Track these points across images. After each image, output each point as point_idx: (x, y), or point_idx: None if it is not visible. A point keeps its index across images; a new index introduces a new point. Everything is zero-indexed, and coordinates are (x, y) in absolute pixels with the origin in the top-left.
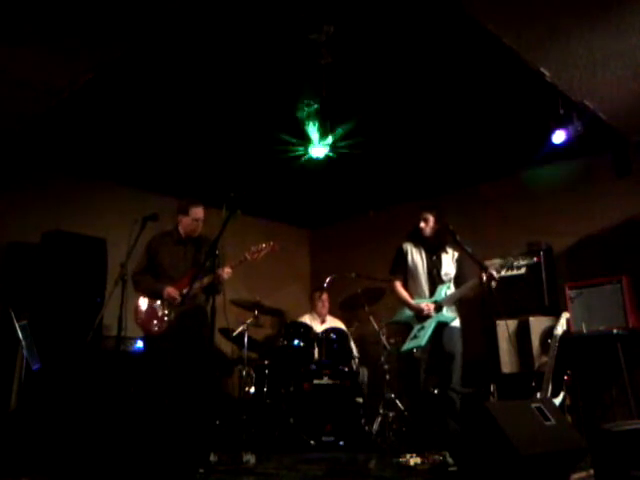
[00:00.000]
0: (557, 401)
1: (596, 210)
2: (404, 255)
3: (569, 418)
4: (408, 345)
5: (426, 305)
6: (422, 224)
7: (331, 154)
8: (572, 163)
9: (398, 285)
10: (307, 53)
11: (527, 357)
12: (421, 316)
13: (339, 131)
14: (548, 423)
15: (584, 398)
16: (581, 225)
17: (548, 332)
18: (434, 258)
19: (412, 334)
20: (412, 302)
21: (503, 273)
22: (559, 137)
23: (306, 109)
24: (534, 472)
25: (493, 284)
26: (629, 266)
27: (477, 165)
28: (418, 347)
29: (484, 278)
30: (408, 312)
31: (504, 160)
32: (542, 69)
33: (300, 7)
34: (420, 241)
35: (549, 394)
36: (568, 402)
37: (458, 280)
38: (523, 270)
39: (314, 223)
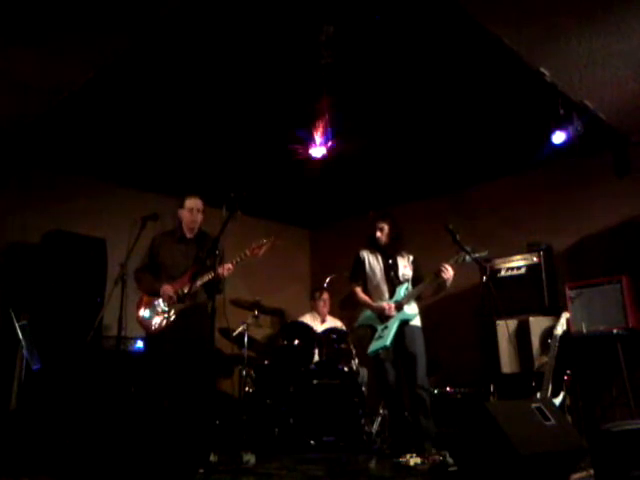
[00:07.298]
0: (557, 401)
1: (596, 210)
2: (362, 262)
3: (569, 418)
4: (374, 346)
5: (387, 304)
6: (378, 233)
7: (330, 154)
8: (572, 163)
9: (358, 290)
10: (307, 53)
11: (527, 357)
12: (383, 316)
13: (339, 131)
14: (548, 423)
15: (584, 398)
16: (581, 225)
17: (548, 332)
18: (390, 261)
19: (377, 335)
20: (373, 304)
21: (503, 274)
22: (559, 137)
23: (306, 109)
24: (534, 472)
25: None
26: (629, 266)
27: (477, 165)
28: (384, 347)
29: (440, 274)
30: (369, 314)
31: (504, 160)
32: (542, 69)
33: (300, 7)
34: (376, 247)
35: (549, 394)
36: (568, 402)
37: (415, 281)
38: (523, 270)
39: (314, 223)
